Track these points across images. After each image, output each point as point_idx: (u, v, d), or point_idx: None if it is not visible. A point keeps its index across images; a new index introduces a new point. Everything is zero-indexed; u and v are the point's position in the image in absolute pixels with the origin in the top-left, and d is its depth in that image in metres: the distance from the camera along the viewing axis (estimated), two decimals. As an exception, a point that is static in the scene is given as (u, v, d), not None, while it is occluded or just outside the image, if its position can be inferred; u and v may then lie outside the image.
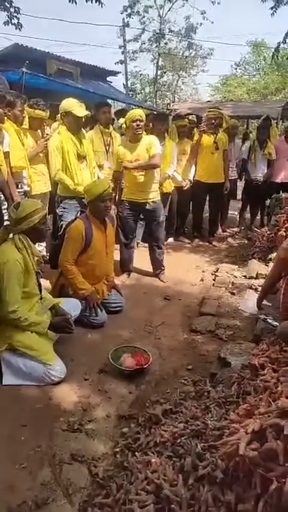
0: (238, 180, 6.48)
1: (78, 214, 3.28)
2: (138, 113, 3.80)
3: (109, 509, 1.51)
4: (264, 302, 2.99)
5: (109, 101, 7.76)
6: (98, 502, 1.56)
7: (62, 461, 1.81)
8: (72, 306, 2.81)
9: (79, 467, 1.79)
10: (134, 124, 3.69)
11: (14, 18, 7.61)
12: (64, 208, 3.65)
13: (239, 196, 6.46)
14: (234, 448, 1.23)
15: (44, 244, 4.27)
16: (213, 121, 5.13)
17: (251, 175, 5.80)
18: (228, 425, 1.43)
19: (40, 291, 2.62)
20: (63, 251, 3.09)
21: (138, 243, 4.88)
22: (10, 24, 7.69)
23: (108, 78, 13.11)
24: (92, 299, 3.05)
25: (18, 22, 7.68)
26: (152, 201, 3.93)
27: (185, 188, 5.29)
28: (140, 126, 3.73)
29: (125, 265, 4.16)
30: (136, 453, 1.76)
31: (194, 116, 5.95)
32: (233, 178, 6.02)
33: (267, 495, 1.12)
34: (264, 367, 1.78)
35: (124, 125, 3.85)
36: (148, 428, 1.92)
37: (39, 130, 4.14)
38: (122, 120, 3.89)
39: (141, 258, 4.38)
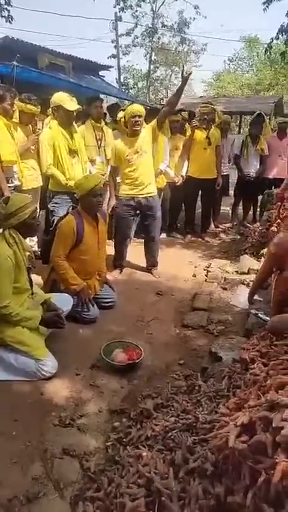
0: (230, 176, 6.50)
1: (70, 209, 3.26)
2: (137, 108, 3.78)
3: (100, 503, 1.51)
4: (256, 297, 3.00)
5: (101, 95, 7.70)
6: (89, 495, 1.57)
7: (54, 456, 1.81)
8: (63, 301, 2.81)
9: (71, 462, 1.79)
10: (133, 120, 3.68)
11: (5, 10, 7.52)
12: (56, 203, 3.64)
13: (231, 192, 6.48)
14: (224, 441, 1.24)
15: (35, 239, 4.25)
16: (205, 116, 5.12)
17: (244, 170, 5.82)
18: (218, 418, 1.44)
19: (31, 286, 2.61)
20: (54, 246, 3.08)
21: (131, 239, 4.87)
22: (0, 17, 7.60)
23: (100, 73, 13.01)
24: (84, 294, 3.05)
25: (8, 15, 7.60)
26: (150, 196, 3.93)
27: (178, 184, 5.28)
28: (139, 123, 3.72)
29: (117, 261, 4.15)
30: (127, 447, 1.76)
31: (186, 112, 5.93)
32: (225, 174, 6.02)
33: (256, 487, 1.13)
34: (255, 361, 1.79)
35: (123, 119, 3.84)
36: (139, 423, 1.93)
37: (30, 125, 4.11)
38: (121, 114, 3.88)
39: (133, 253, 4.38)
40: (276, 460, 1.08)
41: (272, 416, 1.16)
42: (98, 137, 4.45)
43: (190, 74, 3.55)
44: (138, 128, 3.73)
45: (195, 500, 1.32)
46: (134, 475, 1.54)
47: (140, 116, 3.70)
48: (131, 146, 3.78)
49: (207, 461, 1.40)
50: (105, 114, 5.08)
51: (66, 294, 2.96)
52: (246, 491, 1.16)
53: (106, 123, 4.78)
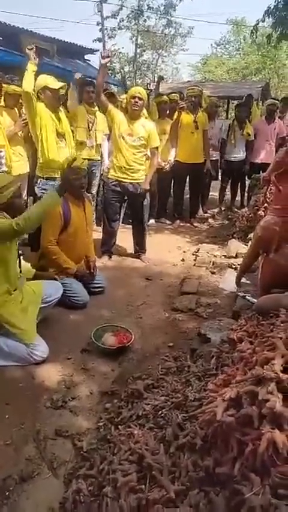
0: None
1: None
2: (138, 90, 3.83)
3: (93, 480, 1.55)
4: (243, 280, 3.06)
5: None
6: (82, 473, 1.60)
7: (47, 437, 1.84)
8: (53, 289, 2.80)
9: (63, 442, 1.83)
10: (133, 100, 3.69)
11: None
12: (44, 189, 3.60)
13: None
14: (212, 415, 1.28)
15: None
16: (193, 98, 5.09)
17: (230, 155, 5.82)
18: (207, 395, 1.49)
19: (20, 267, 2.61)
20: (43, 233, 3.07)
21: (119, 225, 4.87)
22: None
23: (86, 56, 12.78)
24: (80, 273, 3.10)
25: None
26: (137, 182, 3.92)
27: (165, 169, 5.27)
28: (138, 104, 3.72)
29: (106, 247, 4.16)
30: (119, 426, 1.80)
31: (176, 94, 5.85)
32: (214, 159, 6.02)
33: (243, 457, 1.18)
34: (242, 341, 1.84)
35: (125, 101, 3.84)
36: (130, 403, 1.97)
37: (16, 109, 4.03)
38: (124, 97, 3.92)
39: (122, 239, 4.39)
40: (262, 431, 1.13)
41: (257, 390, 1.20)
42: (89, 120, 4.43)
43: (109, 56, 3.64)
44: (136, 109, 3.73)
45: (185, 473, 1.36)
46: (125, 452, 1.58)
47: (139, 98, 3.71)
48: (128, 125, 3.79)
49: (196, 436, 1.44)
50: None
51: (56, 282, 2.95)
52: (234, 462, 1.21)
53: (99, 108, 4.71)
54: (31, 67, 3.22)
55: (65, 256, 3.08)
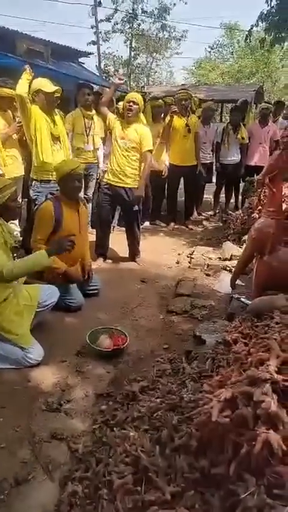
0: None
1: (49, 195, 3.26)
2: (134, 95, 3.88)
3: (89, 482, 1.55)
4: (238, 282, 3.08)
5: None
6: (78, 476, 1.60)
7: (42, 439, 1.84)
8: (50, 293, 2.78)
9: (59, 445, 1.82)
10: (127, 104, 3.74)
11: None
12: (38, 192, 3.60)
13: (214, 179, 6.52)
14: (207, 416, 1.28)
15: (18, 228, 4.21)
16: (183, 102, 5.12)
17: (225, 158, 5.86)
18: (202, 397, 1.49)
19: None
20: (33, 233, 3.08)
21: (114, 227, 4.88)
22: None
23: (80, 59, 12.79)
24: (71, 274, 3.06)
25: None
26: (130, 188, 3.93)
27: (164, 176, 5.29)
28: (132, 108, 3.74)
29: (100, 249, 4.16)
30: (114, 429, 1.80)
31: (171, 98, 5.87)
32: (209, 162, 6.05)
33: (238, 458, 1.19)
34: (237, 342, 1.85)
35: (121, 107, 3.90)
36: (126, 405, 1.97)
37: (10, 111, 4.02)
38: (121, 104, 3.97)
39: (117, 242, 4.39)
40: (257, 432, 1.14)
41: (252, 391, 1.21)
42: (86, 125, 4.43)
43: (122, 79, 3.85)
44: (130, 114, 3.77)
45: (180, 475, 1.37)
46: (121, 455, 1.58)
47: (134, 103, 3.74)
48: (122, 130, 3.81)
49: (192, 438, 1.45)
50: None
51: (53, 286, 2.93)
52: (229, 462, 1.22)
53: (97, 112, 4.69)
54: (26, 76, 3.26)
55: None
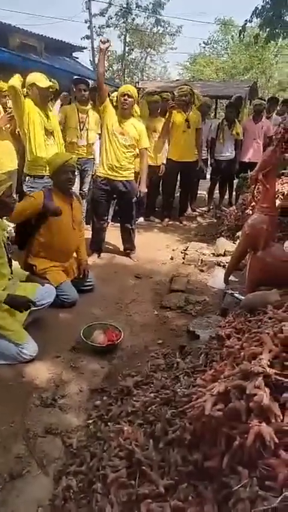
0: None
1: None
2: (128, 87, 3.81)
3: (83, 476, 1.56)
4: (232, 277, 3.10)
5: (75, 77, 7.51)
6: (73, 470, 1.61)
7: (36, 434, 1.84)
8: (47, 293, 2.74)
9: (53, 440, 1.83)
10: (122, 98, 3.69)
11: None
12: (32, 187, 3.58)
13: (209, 176, 6.53)
14: (201, 410, 1.30)
15: (12, 224, 4.18)
16: (183, 97, 5.10)
17: (220, 154, 5.87)
18: (196, 391, 1.51)
19: (10, 266, 2.59)
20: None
21: (108, 223, 4.87)
22: None
23: (74, 54, 12.71)
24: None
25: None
26: (127, 180, 3.93)
27: (160, 174, 5.28)
28: (127, 102, 3.70)
29: (95, 245, 4.16)
30: (109, 423, 1.81)
31: (168, 93, 5.85)
32: (203, 158, 6.05)
33: (231, 451, 1.20)
34: (231, 337, 1.87)
35: (115, 99, 3.84)
36: (120, 400, 1.98)
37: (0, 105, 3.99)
38: (114, 94, 3.90)
39: (111, 237, 4.39)
40: (250, 425, 1.15)
41: (245, 385, 1.23)
42: (80, 120, 4.41)
43: (108, 41, 3.55)
44: (126, 108, 3.73)
45: (174, 468, 1.38)
46: (115, 449, 1.59)
47: (129, 96, 3.69)
48: (118, 124, 3.78)
49: (185, 431, 1.46)
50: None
51: (50, 286, 2.90)
52: (222, 455, 1.23)
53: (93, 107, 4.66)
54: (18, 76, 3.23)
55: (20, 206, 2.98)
